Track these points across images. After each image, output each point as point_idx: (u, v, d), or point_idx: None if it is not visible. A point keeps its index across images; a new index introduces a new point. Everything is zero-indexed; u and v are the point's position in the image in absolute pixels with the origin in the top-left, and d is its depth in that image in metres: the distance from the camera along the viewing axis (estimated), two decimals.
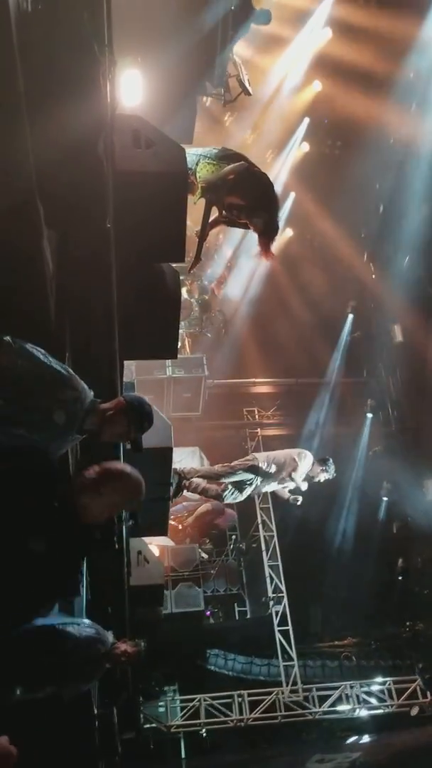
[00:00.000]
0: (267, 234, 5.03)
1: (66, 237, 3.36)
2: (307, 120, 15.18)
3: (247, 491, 8.47)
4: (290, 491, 8.59)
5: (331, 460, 8.53)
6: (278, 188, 16.42)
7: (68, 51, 2.89)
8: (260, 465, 8.21)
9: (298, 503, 8.62)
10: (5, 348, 2.72)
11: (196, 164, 4.84)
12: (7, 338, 2.73)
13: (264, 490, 8.91)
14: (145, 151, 3.63)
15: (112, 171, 3.28)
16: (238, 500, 8.85)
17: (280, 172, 15.69)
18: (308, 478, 8.43)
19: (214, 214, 5.14)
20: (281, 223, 5.31)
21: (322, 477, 8.41)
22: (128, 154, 3.59)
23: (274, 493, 8.96)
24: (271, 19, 9.19)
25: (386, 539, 15.06)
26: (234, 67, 9.67)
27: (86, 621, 4.18)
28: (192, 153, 4.80)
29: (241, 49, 10.67)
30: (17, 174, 2.79)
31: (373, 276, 17.05)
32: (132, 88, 6.08)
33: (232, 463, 8.40)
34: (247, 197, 4.89)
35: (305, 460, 8.27)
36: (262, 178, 4.97)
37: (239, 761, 11.95)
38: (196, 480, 8.31)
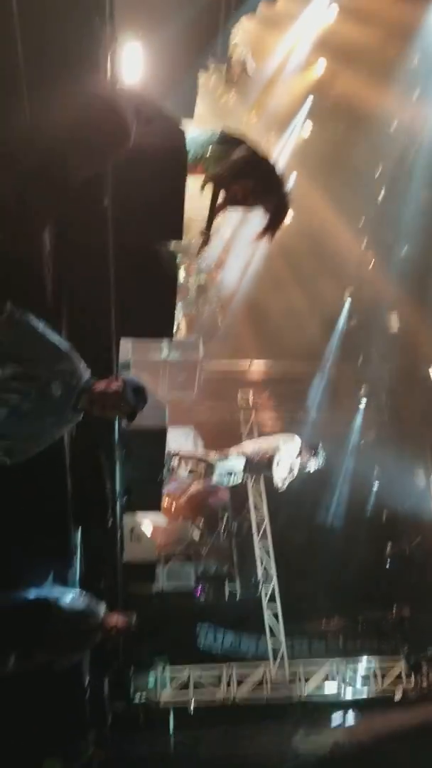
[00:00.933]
0: (279, 214, 5.05)
1: (64, 214, 3.37)
2: (310, 101, 15.02)
3: (235, 478, 8.63)
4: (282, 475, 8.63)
5: (320, 445, 8.60)
6: (279, 169, 16.38)
7: (69, 25, 2.88)
8: (250, 453, 8.36)
9: (282, 488, 8.65)
10: (7, 314, 2.77)
11: (201, 153, 4.84)
12: (9, 305, 2.78)
13: (254, 476, 9.04)
14: (145, 128, 3.62)
15: None
16: (225, 485, 8.98)
17: (281, 154, 15.59)
18: (299, 468, 8.50)
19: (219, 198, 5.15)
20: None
21: (312, 465, 8.50)
22: None
23: (268, 477, 9.09)
24: None
25: (376, 525, 15.18)
26: (237, 44, 9.58)
27: (79, 592, 4.25)
28: (192, 138, 4.80)
29: (244, 27, 10.56)
30: (16, 149, 2.80)
31: (372, 263, 17.02)
32: (132, 63, 6.02)
33: (224, 451, 8.56)
34: (256, 181, 4.91)
35: (290, 444, 8.35)
36: (268, 160, 5.00)
37: (225, 737, 12.14)
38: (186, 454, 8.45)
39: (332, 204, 15.96)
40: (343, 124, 15.46)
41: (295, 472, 8.49)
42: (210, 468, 8.58)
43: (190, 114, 7.20)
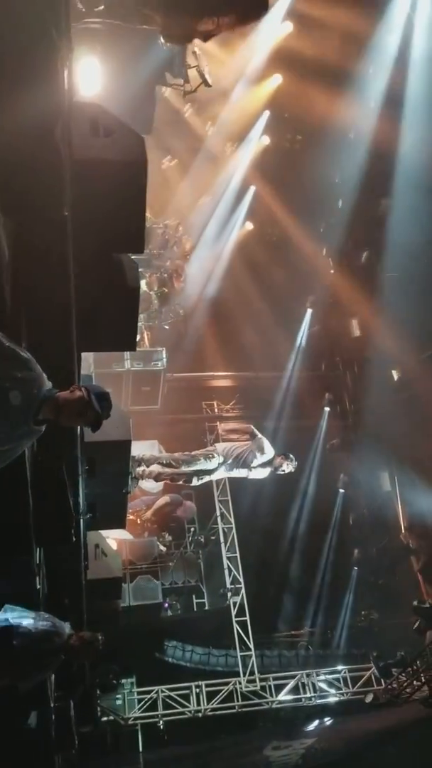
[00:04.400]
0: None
1: (22, 225, 3.31)
2: (267, 113, 15.20)
3: (204, 479, 8.61)
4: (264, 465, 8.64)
5: (291, 455, 8.71)
6: (238, 181, 16.52)
7: (25, 36, 2.84)
8: (220, 455, 8.36)
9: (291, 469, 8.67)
10: None
11: None
12: None
13: (223, 476, 8.99)
14: (104, 140, 3.59)
15: (69, 159, 3.24)
16: (193, 485, 8.94)
17: (240, 166, 15.72)
18: (272, 469, 8.57)
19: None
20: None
21: (286, 467, 8.56)
22: (86, 142, 3.54)
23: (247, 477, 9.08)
24: None
25: (342, 530, 15.29)
26: (194, 57, 9.64)
27: (42, 614, 4.15)
28: None
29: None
30: None
31: (332, 271, 17.22)
32: (90, 76, 6.00)
33: (193, 453, 8.54)
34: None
35: (265, 445, 8.44)
36: None
37: (197, 752, 12.02)
38: (153, 468, 8.39)
39: (293, 212, 16.14)
40: (303, 133, 15.67)
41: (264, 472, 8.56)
42: (177, 469, 8.53)
43: (148, 127, 7.19)
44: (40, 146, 3.06)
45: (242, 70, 13.84)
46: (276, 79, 14.55)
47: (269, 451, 8.50)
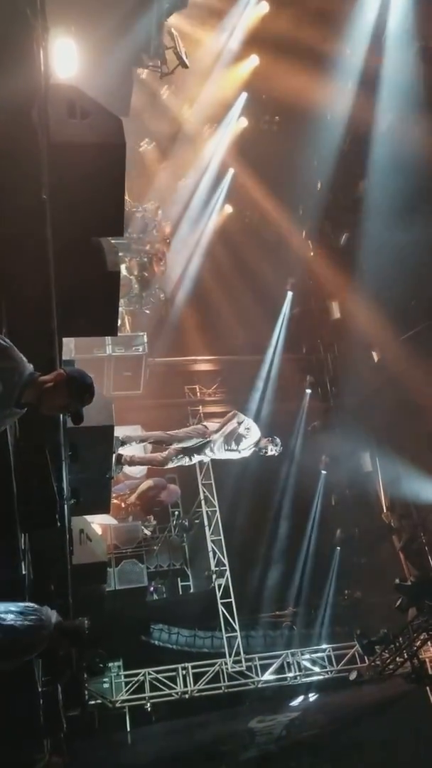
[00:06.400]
0: None
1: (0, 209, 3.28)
2: (245, 95, 15.09)
3: (196, 457, 8.60)
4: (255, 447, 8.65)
5: (278, 439, 8.74)
6: (217, 164, 16.45)
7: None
8: (210, 432, 8.37)
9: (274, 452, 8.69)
10: None
11: None
12: None
13: (212, 457, 8.94)
14: (81, 122, 3.56)
15: (47, 142, 3.21)
16: (184, 464, 8.91)
17: (218, 148, 15.62)
18: (257, 450, 8.60)
19: None
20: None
21: (270, 450, 8.58)
22: (63, 125, 3.51)
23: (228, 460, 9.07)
24: None
25: (325, 511, 15.45)
26: (170, 39, 9.53)
27: (29, 606, 4.05)
28: None
29: (177, 21, 10.52)
30: None
31: (312, 253, 17.22)
32: (66, 58, 5.92)
33: (185, 429, 8.55)
34: None
35: (253, 429, 8.47)
36: None
37: (181, 727, 12.20)
38: (137, 456, 8.37)
39: (272, 195, 16.10)
40: (281, 115, 15.58)
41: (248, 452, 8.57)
42: (168, 446, 8.51)
43: (125, 108, 7.12)
44: (17, 129, 3.03)
45: (219, 52, 13.71)
46: (253, 60, 14.43)
47: (256, 432, 8.54)
